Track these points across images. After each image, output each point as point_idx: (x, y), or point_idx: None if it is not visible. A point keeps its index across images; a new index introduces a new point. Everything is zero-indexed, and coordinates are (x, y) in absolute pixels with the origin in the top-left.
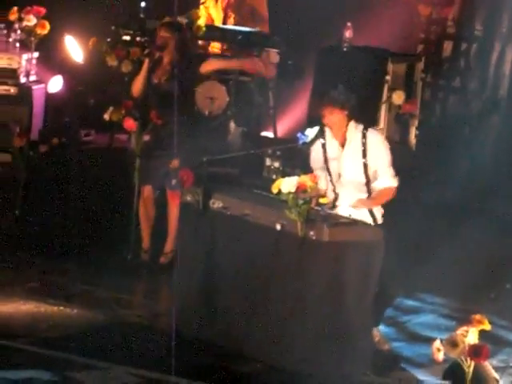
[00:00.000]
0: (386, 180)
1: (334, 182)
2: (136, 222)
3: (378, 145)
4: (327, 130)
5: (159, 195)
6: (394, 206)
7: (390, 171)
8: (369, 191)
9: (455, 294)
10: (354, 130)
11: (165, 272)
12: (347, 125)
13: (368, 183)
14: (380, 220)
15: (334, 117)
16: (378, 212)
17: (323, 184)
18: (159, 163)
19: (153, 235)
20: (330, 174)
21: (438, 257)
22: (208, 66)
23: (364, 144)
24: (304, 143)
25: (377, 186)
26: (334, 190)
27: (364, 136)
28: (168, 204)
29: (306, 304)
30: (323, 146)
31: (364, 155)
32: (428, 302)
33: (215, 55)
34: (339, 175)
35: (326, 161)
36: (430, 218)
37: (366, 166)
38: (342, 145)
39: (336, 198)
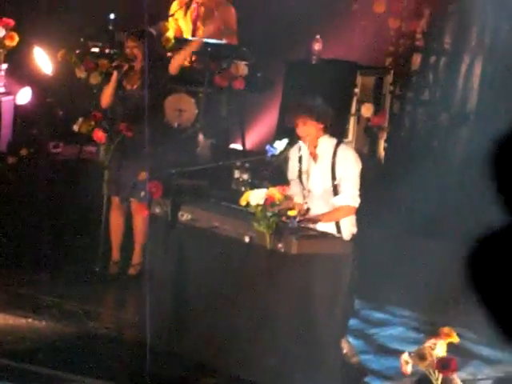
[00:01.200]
0: (347, 198)
1: (305, 195)
2: (105, 234)
3: (348, 160)
4: (300, 142)
5: (127, 207)
6: (362, 220)
7: (353, 190)
8: None
9: (423, 307)
10: (326, 145)
11: (134, 284)
12: (319, 138)
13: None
14: (347, 234)
15: (307, 128)
16: (346, 227)
17: (299, 197)
18: (128, 175)
19: (122, 247)
20: (303, 187)
21: (406, 270)
22: (175, 63)
23: (334, 159)
24: (273, 155)
25: (336, 201)
26: (305, 203)
27: (335, 151)
28: (135, 216)
29: (275, 317)
30: (300, 157)
31: (333, 171)
32: (396, 314)
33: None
34: (309, 189)
35: (300, 173)
36: (398, 231)
37: (334, 180)
38: (314, 158)
39: (308, 211)
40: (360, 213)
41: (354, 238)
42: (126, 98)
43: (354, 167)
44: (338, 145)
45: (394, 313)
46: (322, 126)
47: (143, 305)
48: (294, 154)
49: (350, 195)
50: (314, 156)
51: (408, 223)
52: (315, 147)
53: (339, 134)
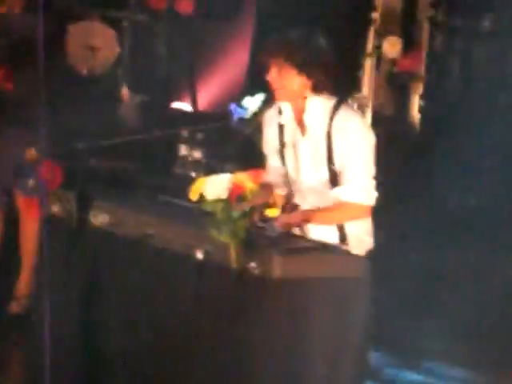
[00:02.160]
0: (355, 191)
1: (290, 181)
2: None
3: (351, 133)
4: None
5: (7, 204)
6: (383, 218)
7: (365, 179)
8: None
9: (477, 362)
10: (317, 109)
11: (17, 328)
12: (307, 97)
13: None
14: (357, 247)
15: (284, 80)
16: (356, 235)
17: (280, 186)
18: (7, 152)
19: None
20: (286, 170)
21: (451, 305)
22: None
23: (330, 132)
24: (241, 120)
25: (338, 195)
26: (290, 194)
27: (331, 119)
28: (20, 218)
29: (245, 374)
30: (280, 124)
31: (329, 148)
32: (436, 374)
33: None
34: (298, 174)
35: (282, 146)
36: (442, 235)
37: (332, 164)
38: (302, 128)
39: (295, 208)
40: (378, 213)
41: (369, 253)
42: (4, 28)
43: (363, 143)
44: (335, 108)
45: (435, 372)
46: (309, 81)
47: (33, 364)
48: (271, 118)
49: (361, 187)
50: (300, 124)
51: (456, 230)
52: (301, 111)
53: (347, 85)
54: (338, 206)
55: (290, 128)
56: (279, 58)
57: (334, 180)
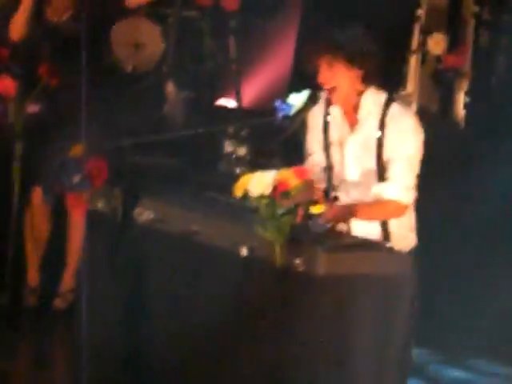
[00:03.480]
0: (397, 189)
1: (334, 179)
2: (17, 245)
3: (402, 130)
4: (327, 97)
5: (54, 201)
6: (428, 218)
7: (407, 177)
8: None
9: None
10: (370, 104)
11: (63, 323)
12: (361, 93)
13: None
14: (401, 244)
15: (335, 76)
16: (399, 232)
17: (321, 178)
18: (53, 149)
19: (44, 265)
20: (330, 166)
21: (496, 302)
22: None
23: (383, 126)
24: (286, 117)
25: (381, 191)
26: (334, 191)
27: (384, 114)
28: (68, 215)
29: (290, 371)
30: (325, 121)
31: (380, 143)
32: (482, 371)
33: None
34: (342, 170)
35: (327, 145)
36: (486, 237)
37: (381, 158)
38: (352, 124)
39: (335, 200)
40: (424, 212)
41: (413, 251)
42: (50, 28)
43: (412, 142)
44: (388, 103)
45: (479, 369)
46: (359, 72)
47: (77, 357)
48: (317, 115)
49: (404, 185)
50: (350, 120)
51: (503, 230)
52: (352, 107)
53: (392, 82)
54: (379, 203)
55: (338, 125)
56: (328, 54)
57: (381, 174)
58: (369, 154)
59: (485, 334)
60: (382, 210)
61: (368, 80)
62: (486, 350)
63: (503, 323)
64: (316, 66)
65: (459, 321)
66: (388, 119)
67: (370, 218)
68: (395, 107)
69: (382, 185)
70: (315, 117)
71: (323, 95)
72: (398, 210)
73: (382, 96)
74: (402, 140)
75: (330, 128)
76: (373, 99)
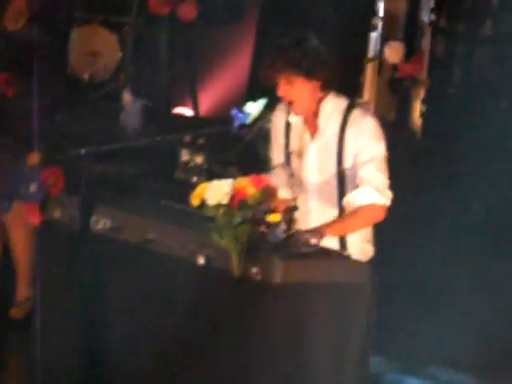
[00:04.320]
0: (369, 192)
1: (294, 187)
2: None
3: (367, 133)
4: (283, 105)
5: (9, 209)
6: (385, 224)
7: (379, 178)
8: (341, 203)
9: (483, 367)
10: (330, 111)
11: (18, 331)
12: (321, 100)
13: (342, 190)
14: (358, 254)
15: (295, 90)
16: (356, 242)
17: (284, 188)
18: (9, 158)
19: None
20: (291, 174)
21: (454, 309)
22: None
23: (343, 130)
24: (242, 125)
25: (352, 199)
26: (294, 200)
27: (345, 120)
28: (21, 224)
29: (246, 380)
30: (287, 128)
31: (340, 148)
32: (441, 380)
33: None
34: (302, 177)
35: (287, 154)
36: (445, 246)
37: (341, 163)
38: (312, 131)
39: (293, 210)
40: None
41: (371, 261)
42: (7, 36)
43: (377, 144)
44: (349, 109)
45: (437, 377)
46: (318, 82)
47: (33, 368)
48: (279, 121)
49: (375, 186)
50: (310, 127)
51: (463, 238)
52: (313, 114)
53: (349, 91)
54: (354, 212)
55: (298, 133)
56: (286, 70)
57: (341, 181)
58: (330, 160)
59: (444, 342)
60: (358, 219)
61: (326, 88)
62: (445, 358)
63: (463, 331)
64: (273, 81)
65: (417, 329)
66: (349, 124)
67: (347, 231)
68: (356, 112)
69: (353, 192)
70: (277, 126)
71: (283, 105)
72: (375, 212)
73: (343, 102)
74: (366, 143)
75: (291, 136)
76: (332, 105)
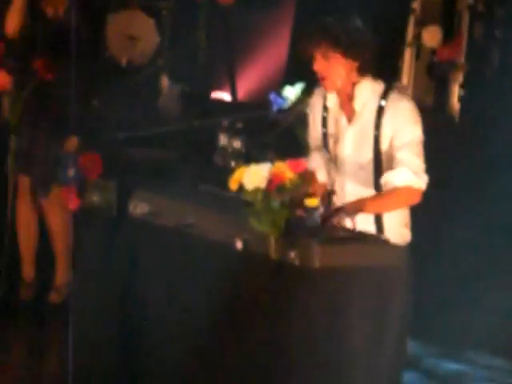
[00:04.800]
0: (406, 174)
1: (331, 171)
2: (10, 237)
3: (404, 117)
4: (321, 89)
5: (48, 194)
6: (423, 212)
7: (416, 161)
8: (378, 188)
9: None
10: (367, 94)
11: (58, 317)
12: (356, 83)
13: (379, 174)
14: (395, 239)
15: (331, 66)
16: (393, 227)
17: (322, 173)
18: (48, 142)
19: (39, 258)
20: (329, 159)
21: (490, 295)
22: None
23: (380, 113)
24: (281, 110)
25: (390, 180)
26: (331, 184)
27: (382, 104)
28: (58, 210)
29: (284, 367)
30: (324, 113)
31: (377, 132)
32: (479, 364)
33: None
34: (339, 161)
35: (325, 138)
36: (487, 233)
37: (378, 146)
38: (349, 115)
39: (332, 196)
40: (416, 207)
41: (407, 246)
42: (46, 22)
43: (414, 127)
44: (386, 93)
45: (475, 362)
46: (354, 63)
47: (71, 348)
48: (316, 106)
49: (412, 169)
50: (347, 111)
51: (495, 226)
52: (348, 97)
53: (387, 75)
54: (389, 192)
55: (335, 115)
56: (324, 44)
57: (378, 165)
58: (367, 144)
59: (481, 327)
60: (393, 199)
61: (363, 71)
62: (482, 343)
63: (499, 316)
64: (311, 55)
65: (455, 313)
66: (386, 107)
67: (382, 209)
68: (394, 96)
69: (390, 173)
70: (315, 110)
71: (321, 89)
72: (411, 195)
73: (380, 86)
74: (403, 126)
75: (328, 120)
76: (369, 89)
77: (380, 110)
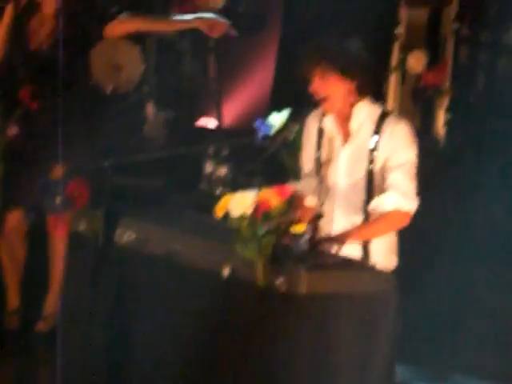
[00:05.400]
0: (395, 198)
1: (322, 194)
2: None
3: (400, 139)
4: (316, 112)
5: (34, 223)
6: (409, 232)
7: (407, 185)
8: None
9: (509, 376)
10: (365, 116)
11: (44, 346)
12: (353, 104)
13: (369, 196)
14: (382, 264)
15: (329, 87)
16: (380, 252)
17: (311, 199)
18: (34, 171)
19: (24, 288)
20: (321, 181)
21: (482, 316)
22: (116, 29)
23: (377, 134)
24: (266, 136)
25: (379, 204)
26: (320, 207)
27: (379, 127)
28: (48, 237)
29: None
30: (320, 135)
31: (372, 152)
32: None
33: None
34: (330, 184)
35: (318, 162)
36: (470, 255)
37: (371, 167)
38: (345, 136)
39: (318, 219)
40: (404, 231)
41: (394, 271)
42: (30, 51)
43: (409, 150)
44: (383, 116)
45: None
46: (353, 83)
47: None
48: (311, 128)
49: (401, 192)
50: (343, 132)
51: (482, 247)
52: (346, 118)
53: (372, 100)
54: (379, 218)
55: (330, 137)
56: (322, 63)
57: (369, 184)
58: (361, 164)
59: (469, 350)
60: (382, 224)
61: (360, 92)
62: (471, 367)
63: (488, 339)
64: (307, 76)
65: (443, 337)
66: (382, 129)
67: (371, 236)
68: (392, 119)
69: (379, 198)
70: (309, 132)
71: (317, 112)
72: (399, 218)
73: (378, 108)
74: (399, 148)
75: (323, 141)
76: (367, 110)
77: (376, 132)
